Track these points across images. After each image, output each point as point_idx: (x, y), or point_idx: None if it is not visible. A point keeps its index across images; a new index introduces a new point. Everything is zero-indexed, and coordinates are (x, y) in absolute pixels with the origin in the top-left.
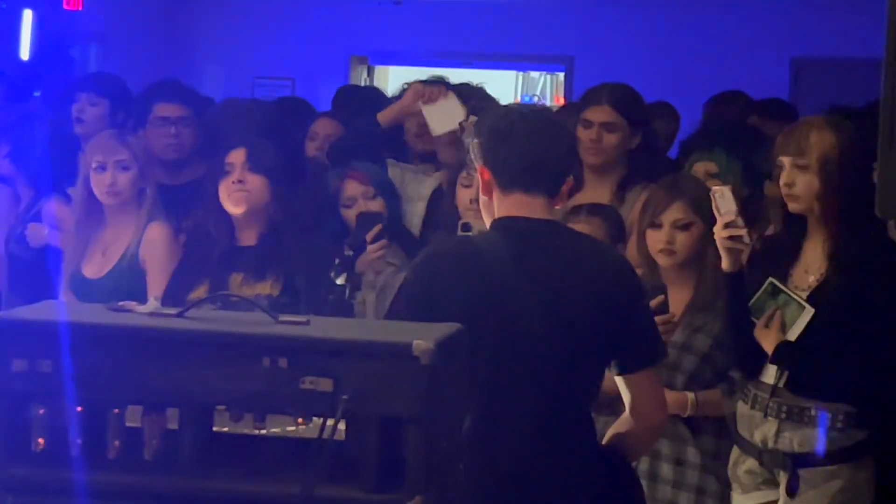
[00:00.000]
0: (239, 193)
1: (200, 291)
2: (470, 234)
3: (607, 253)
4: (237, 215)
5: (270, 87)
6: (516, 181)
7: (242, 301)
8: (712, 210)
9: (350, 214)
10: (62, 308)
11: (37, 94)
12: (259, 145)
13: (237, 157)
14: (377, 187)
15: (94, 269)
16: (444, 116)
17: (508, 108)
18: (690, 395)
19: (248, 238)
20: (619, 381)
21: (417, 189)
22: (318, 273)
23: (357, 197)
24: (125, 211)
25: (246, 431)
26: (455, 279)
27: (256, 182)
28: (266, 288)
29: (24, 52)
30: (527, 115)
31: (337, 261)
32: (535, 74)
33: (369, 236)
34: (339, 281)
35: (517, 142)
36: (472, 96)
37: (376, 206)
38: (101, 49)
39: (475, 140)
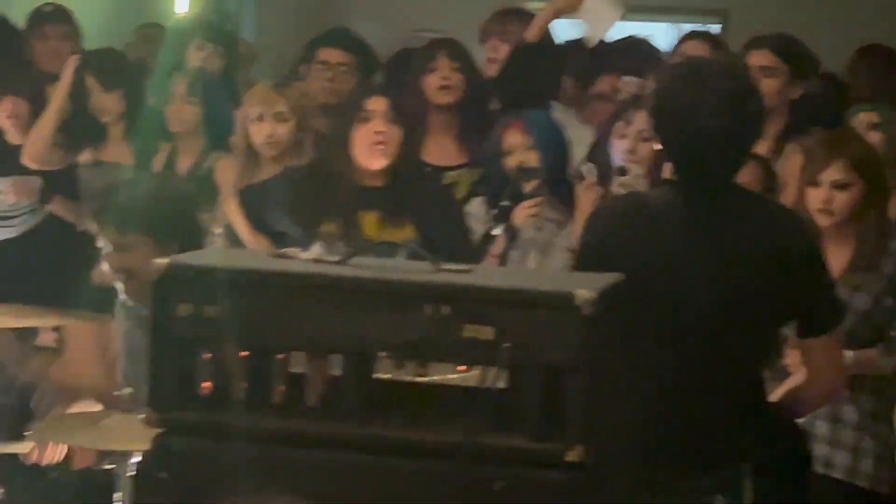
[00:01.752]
0: (380, 146)
1: (330, 229)
2: (628, 177)
3: (787, 215)
4: (373, 169)
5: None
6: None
7: (400, 248)
8: (874, 169)
9: (510, 163)
10: (227, 254)
11: None
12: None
13: (377, 105)
14: (538, 137)
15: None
16: (595, 20)
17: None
18: (849, 354)
19: (372, 178)
20: (798, 343)
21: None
22: (456, 220)
23: (516, 147)
24: (283, 161)
25: (407, 379)
26: (629, 235)
27: (395, 134)
28: (406, 233)
29: (180, 5)
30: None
31: (494, 211)
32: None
33: (526, 189)
34: (495, 231)
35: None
36: (637, 49)
37: (533, 158)
38: (253, 2)
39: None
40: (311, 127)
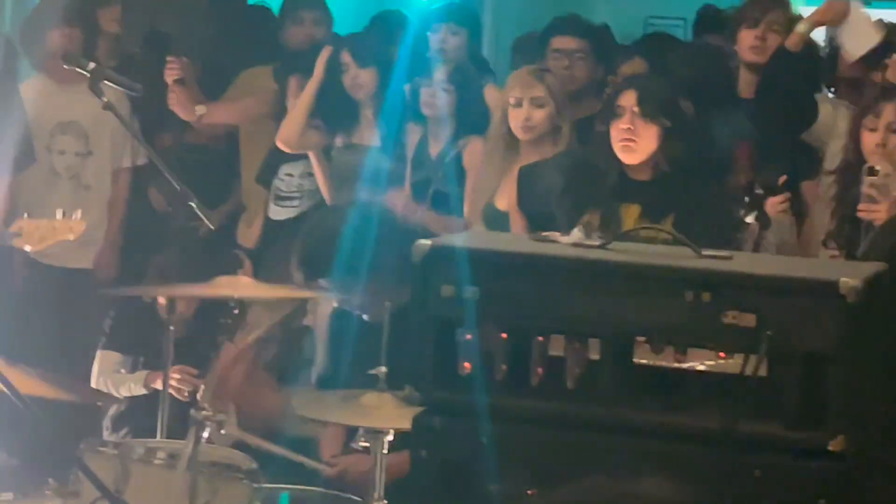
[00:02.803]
0: (629, 143)
1: (591, 218)
2: (877, 178)
3: None
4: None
5: (662, 27)
6: None
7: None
8: None
9: None
10: (489, 236)
11: None
12: (649, 87)
13: (628, 100)
14: None
15: (507, 201)
16: (856, 37)
17: None
18: None
19: (638, 172)
20: None
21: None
22: (717, 211)
23: None
24: (540, 146)
25: (666, 364)
26: None
27: (647, 132)
28: (668, 224)
29: None
30: None
31: (746, 199)
32: None
33: (779, 182)
34: (749, 219)
35: None
36: None
37: None
38: None
39: None
40: (567, 113)
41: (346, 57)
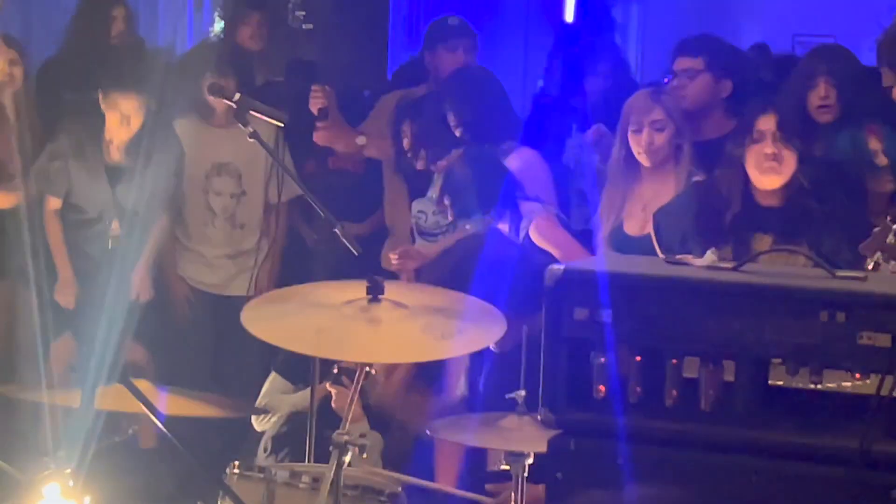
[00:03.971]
0: (772, 167)
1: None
2: None
3: None
4: (768, 189)
5: (811, 45)
6: None
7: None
8: None
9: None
10: (622, 260)
11: None
12: (790, 110)
13: (768, 123)
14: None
15: (634, 225)
16: None
17: None
18: None
19: (769, 198)
20: None
21: None
22: (848, 240)
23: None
24: (663, 168)
25: (801, 385)
26: None
27: (789, 157)
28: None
29: (569, 15)
30: None
31: (877, 228)
32: None
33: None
34: (891, 239)
35: None
36: None
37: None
38: (641, 8)
39: None
40: (687, 134)
41: None
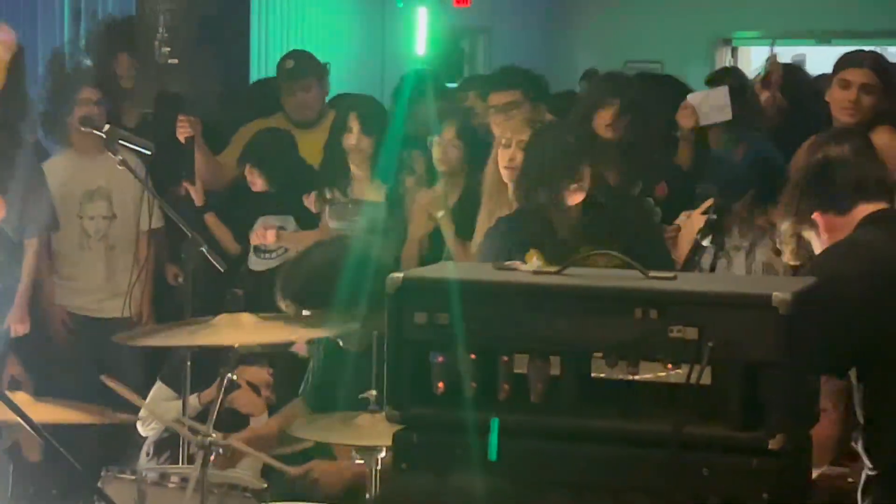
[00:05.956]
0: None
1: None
2: None
3: None
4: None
5: (641, 69)
6: None
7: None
8: None
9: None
10: (456, 267)
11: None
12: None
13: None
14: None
15: None
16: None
17: None
18: None
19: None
20: None
21: None
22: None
23: None
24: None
25: (620, 377)
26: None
27: (586, 174)
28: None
29: (420, 48)
30: None
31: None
32: (893, 50)
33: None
34: (705, 242)
35: None
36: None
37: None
38: (486, 41)
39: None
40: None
41: (352, 122)
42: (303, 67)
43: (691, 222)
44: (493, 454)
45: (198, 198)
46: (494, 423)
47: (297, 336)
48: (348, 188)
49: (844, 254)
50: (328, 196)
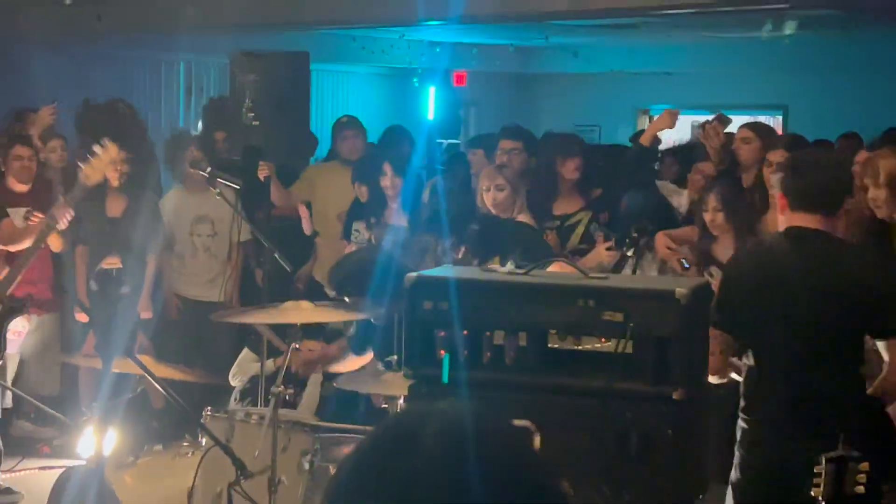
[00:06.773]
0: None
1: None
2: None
3: (861, 254)
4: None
5: (584, 132)
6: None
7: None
8: None
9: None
10: (454, 269)
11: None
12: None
13: None
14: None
15: None
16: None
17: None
18: None
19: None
20: (880, 345)
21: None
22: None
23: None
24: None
25: (568, 347)
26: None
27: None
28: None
29: (431, 114)
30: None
31: (627, 239)
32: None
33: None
34: (629, 253)
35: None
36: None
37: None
38: (476, 111)
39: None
40: (522, 191)
41: (386, 166)
42: (352, 123)
43: (598, 251)
44: (445, 378)
45: (307, 227)
46: (446, 358)
47: (341, 317)
48: (382, 216)
49: (747, 255)
50: (372, 221)
